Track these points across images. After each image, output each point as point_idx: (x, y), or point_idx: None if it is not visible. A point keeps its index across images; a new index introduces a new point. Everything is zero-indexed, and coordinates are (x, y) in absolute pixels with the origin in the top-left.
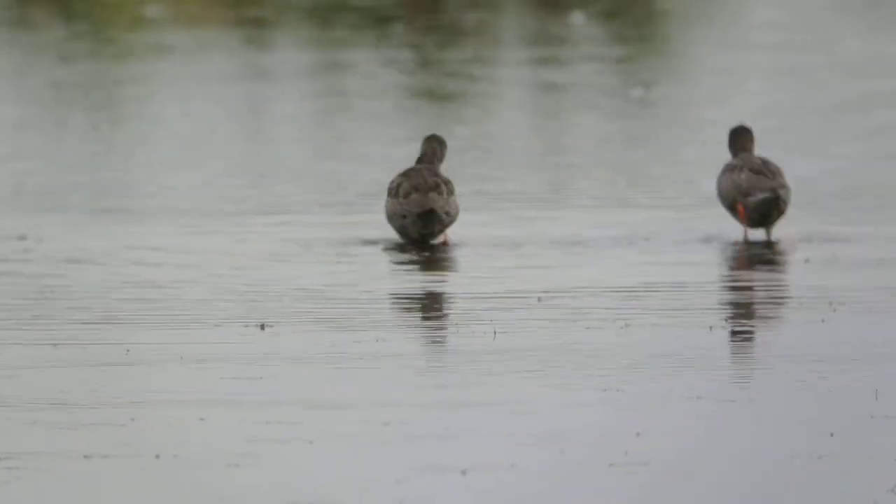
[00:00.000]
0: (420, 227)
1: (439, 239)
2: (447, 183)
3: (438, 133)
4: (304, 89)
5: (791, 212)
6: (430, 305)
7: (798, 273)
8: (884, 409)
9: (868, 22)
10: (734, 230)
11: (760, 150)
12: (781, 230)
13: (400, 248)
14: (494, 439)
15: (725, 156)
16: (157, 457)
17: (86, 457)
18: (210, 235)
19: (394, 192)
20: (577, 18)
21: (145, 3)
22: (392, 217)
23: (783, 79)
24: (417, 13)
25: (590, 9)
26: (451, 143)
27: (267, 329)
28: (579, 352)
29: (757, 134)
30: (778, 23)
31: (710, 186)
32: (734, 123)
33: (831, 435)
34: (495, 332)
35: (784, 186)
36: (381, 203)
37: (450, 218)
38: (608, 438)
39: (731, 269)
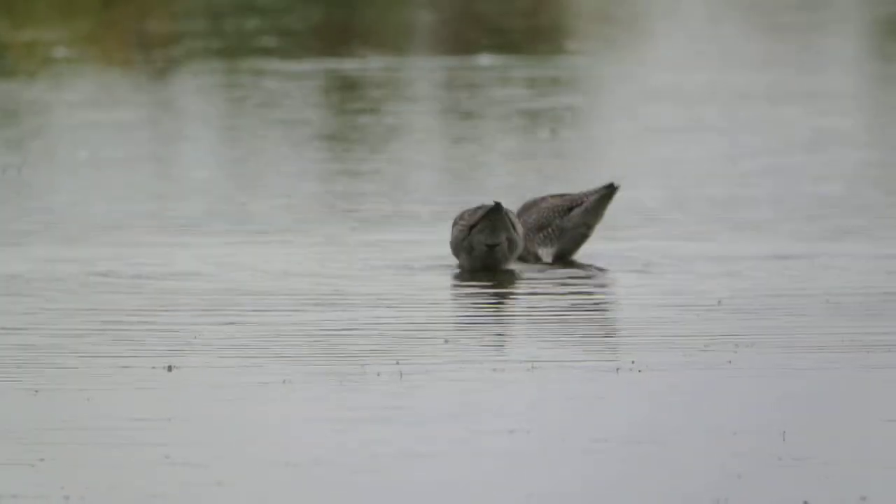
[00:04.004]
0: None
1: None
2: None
3: None
4: (210, 121)
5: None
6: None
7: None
8: (790, 451)
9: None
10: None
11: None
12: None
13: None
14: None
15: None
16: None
17: None
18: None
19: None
20: (485, 60)
21: (54, 44)
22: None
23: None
24: (323, 56)
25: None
26: (360, 185)
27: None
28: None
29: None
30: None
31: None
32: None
33: (738, 477)
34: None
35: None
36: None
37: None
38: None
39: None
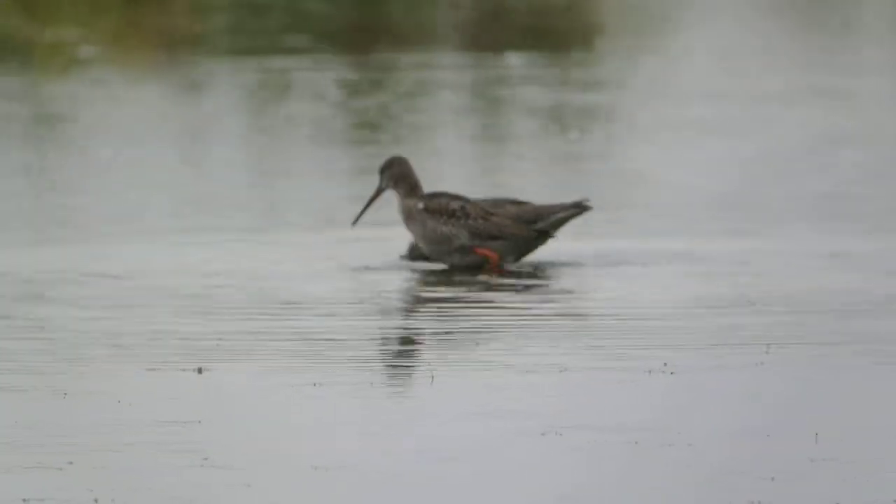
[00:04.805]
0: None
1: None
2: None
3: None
4: (241, 122)
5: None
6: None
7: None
8: (823, 452)
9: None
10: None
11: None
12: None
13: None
14: None
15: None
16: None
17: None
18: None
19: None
20: (513, 59)
21: (78, 43)
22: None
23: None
24: (350, 50)
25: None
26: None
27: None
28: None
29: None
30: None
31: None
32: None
33: (772, 479)
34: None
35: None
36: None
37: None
38: (544, 478)
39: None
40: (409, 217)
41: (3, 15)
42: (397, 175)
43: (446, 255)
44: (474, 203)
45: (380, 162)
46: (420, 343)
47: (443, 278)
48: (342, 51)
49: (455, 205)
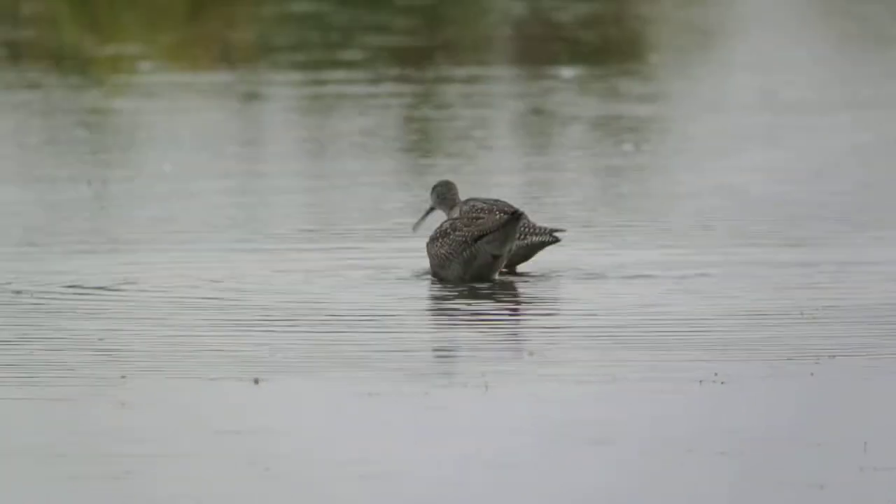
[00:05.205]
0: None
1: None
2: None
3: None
4: (297, 134)
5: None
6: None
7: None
8: (872, 461)
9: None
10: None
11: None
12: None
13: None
14: None
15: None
16: None
17: None
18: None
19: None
20: (566, 72)
21: (139, 58)
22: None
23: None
24: (406, 67)
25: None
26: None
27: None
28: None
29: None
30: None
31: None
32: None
33: (821, 487)
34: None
35: None
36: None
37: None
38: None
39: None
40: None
41: (64, 30)
42: (440, 195)
43: (457, 271)
44: (463, 214)
45: (433, 178)
46: (473, 353)
47: (492, 291)
48: (396, 64)
49: (446, 224)
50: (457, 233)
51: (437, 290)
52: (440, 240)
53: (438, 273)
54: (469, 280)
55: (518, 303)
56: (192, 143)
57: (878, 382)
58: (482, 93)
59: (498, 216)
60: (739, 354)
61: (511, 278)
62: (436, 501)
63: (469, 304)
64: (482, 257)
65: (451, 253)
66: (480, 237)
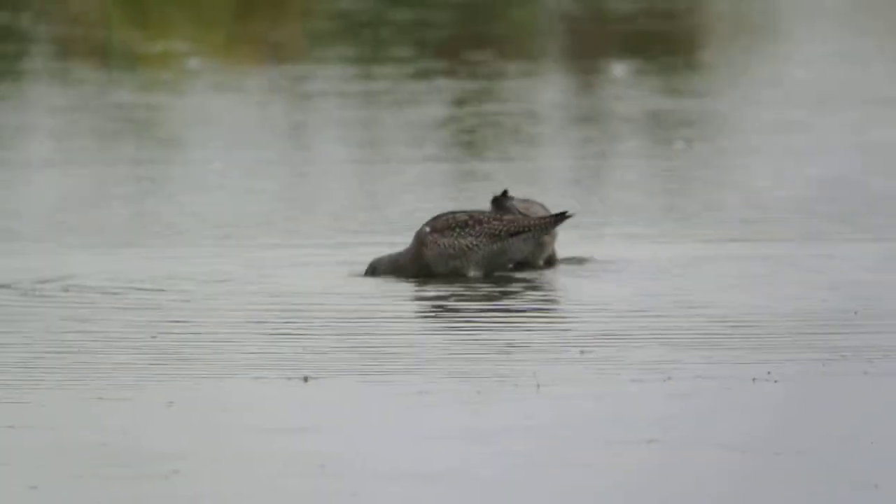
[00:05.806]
0: None
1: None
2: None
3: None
4: (345, 130)
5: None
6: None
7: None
8: None
9: None
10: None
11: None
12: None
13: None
14: None
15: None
16: None
17: None
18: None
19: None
20: (618, 70)
21: (186, 56)
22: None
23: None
24: (457, 64)
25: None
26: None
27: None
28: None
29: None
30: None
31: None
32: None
33: (875, 487)
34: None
35: None
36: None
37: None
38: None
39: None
40: None
41: (114, 28)
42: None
43: (476, 264)
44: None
45: (483, 175)
46: (523, 352)
47: (540, 286)
48: (446, 60)
49: (462, 216)
50: (484, 225)
51: (483, 288)
52: (457, 230)
53: (437, 265)
54: (479, 275)
55: (565, 300)
56: (240, 139)
57: None
58: (532, 88)
59: (533, 218)
60: (793, 353)
61: (555, 274)
62: (490, 502)
63: (515, 302)
64: (512, 254)
65: (476, 245)
66: (517, 233)
